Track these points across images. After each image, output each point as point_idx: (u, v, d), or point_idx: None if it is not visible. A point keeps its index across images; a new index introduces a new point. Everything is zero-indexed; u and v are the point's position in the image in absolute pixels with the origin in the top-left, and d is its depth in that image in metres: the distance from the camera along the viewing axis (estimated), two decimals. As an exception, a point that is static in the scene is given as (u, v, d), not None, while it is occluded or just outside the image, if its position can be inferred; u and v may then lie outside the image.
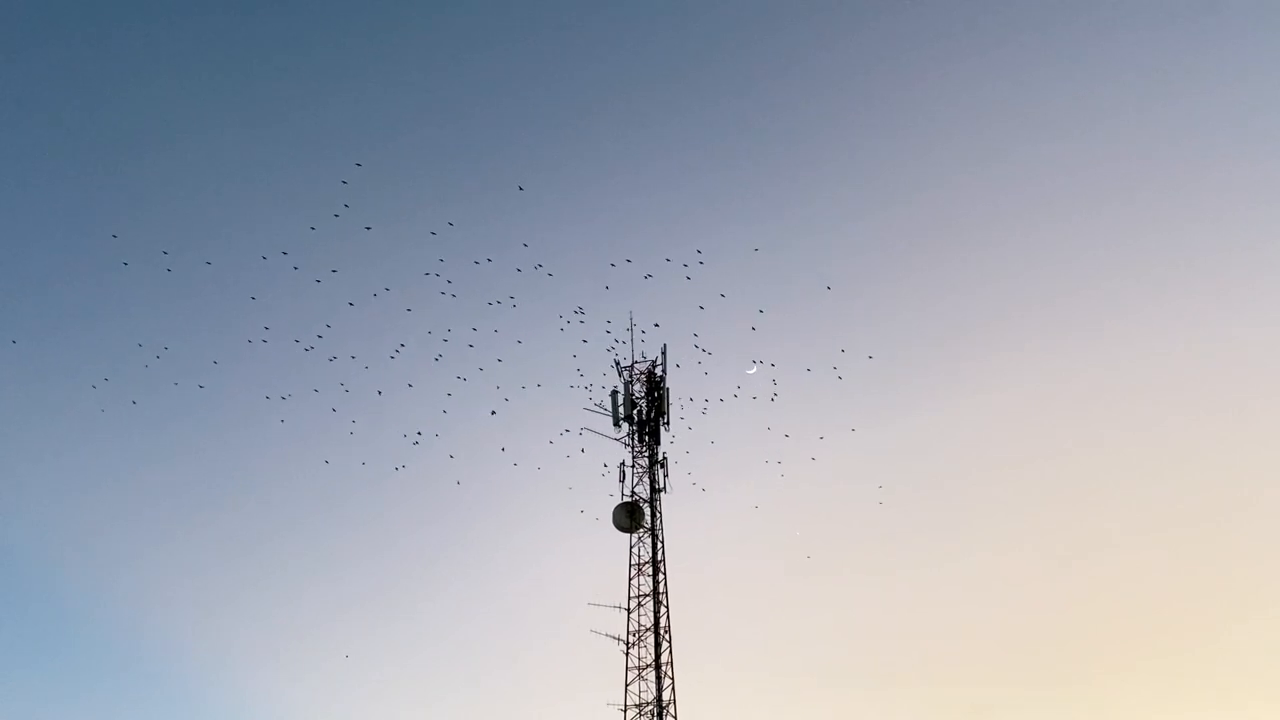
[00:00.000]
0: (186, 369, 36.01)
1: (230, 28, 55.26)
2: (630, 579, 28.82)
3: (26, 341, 49.99)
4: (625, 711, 27.43)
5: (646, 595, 28.56)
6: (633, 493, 29.73)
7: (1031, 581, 47.30)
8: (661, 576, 28.79)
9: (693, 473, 30.21)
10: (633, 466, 30.10)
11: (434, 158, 54.56)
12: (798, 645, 43.40)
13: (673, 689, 27.76)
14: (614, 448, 30.49)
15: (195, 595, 47.41)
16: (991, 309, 52.33)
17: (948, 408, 49.64)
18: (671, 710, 27.52)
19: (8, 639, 47.67)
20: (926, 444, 46.85)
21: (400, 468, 33.97)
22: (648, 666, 27.84)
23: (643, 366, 30.91)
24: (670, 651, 28.11)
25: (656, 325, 30.86)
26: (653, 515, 29.45)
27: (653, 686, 27.66)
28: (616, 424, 30.54)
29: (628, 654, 27.99)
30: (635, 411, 30.57)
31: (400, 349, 32.22)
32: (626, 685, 27.72)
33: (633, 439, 30.49)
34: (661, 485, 29.74)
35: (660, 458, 30.12)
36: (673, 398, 30.67)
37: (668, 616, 28.41)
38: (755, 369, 31.76)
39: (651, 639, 28.09)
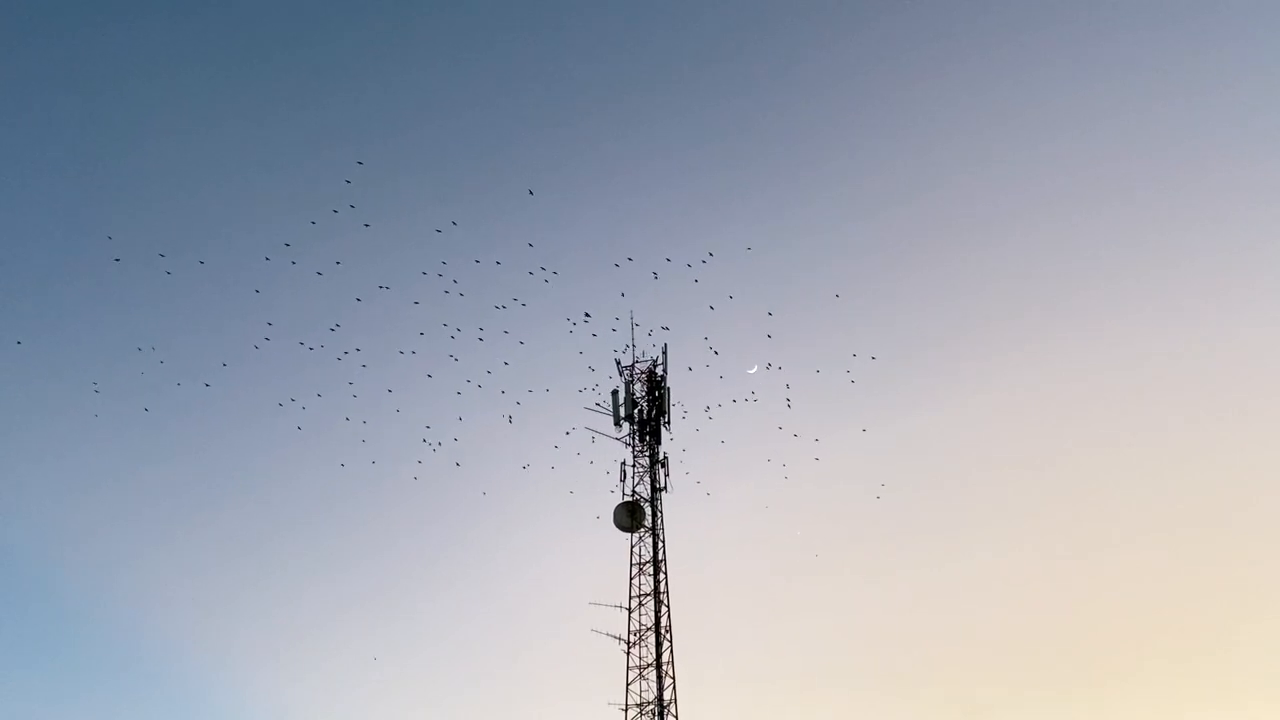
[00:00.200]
0: (187, 369, 36.05)
1: (232, 27, 55.28)
2: (631, 578, 28.85)
3: (26, 342, 50.05)
4: (626, 711, 27.46)
5: (647, 595, 28.57)
6: (634, 492, 29.75)
7: (1032, 581, 47.39)
8: (662, 576, 28.82)
9: (694, 472, 30.33)
10: (634, 466, 30.13)
11: (436, 158, 54.65)
12: (798, 645, 43.49)
13: (674, 688, 27.80)
14: (615, 447, 30.56)
15: (195, 595, 47.44)
16: (991, 309, 52.44)
17: (948, 408, 49.73)
18: (672, 709, 27.54)
19: (8, 639, 47.70)
20: (927, 444, 46.92)
21: (416, 478, 34.05)
22: (649, 666, 27.85)
23: (643, 366, 30.97)
24: (671, 651, 28.16)
25: (666, 328, 30.94)
26: (654, 515, 29.46)
27: (654, 686, 27.69)
28: (617, 423, 30.57)
29: (629, 653, 28.00)
30: (636, 411, 30.58)
31: (406, 350, 32.28)
32: (627, 684, 27.75)
33: (634, 438, 30.51)
34: (662, 485, 29.79)
35: (661, 457, 30.14)
36: (673, 397, 30.74)
37: (668, 616, 28.45)
38: (756, 369, 31.80)
39: (652, 638, 28.11)
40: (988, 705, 42.70)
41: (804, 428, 31.81)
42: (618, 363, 30.92)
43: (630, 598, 28.61)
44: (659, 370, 30.88)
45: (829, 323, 44.22)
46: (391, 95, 55.51)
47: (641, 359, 30.94)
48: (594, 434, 30.40)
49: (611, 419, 30.55)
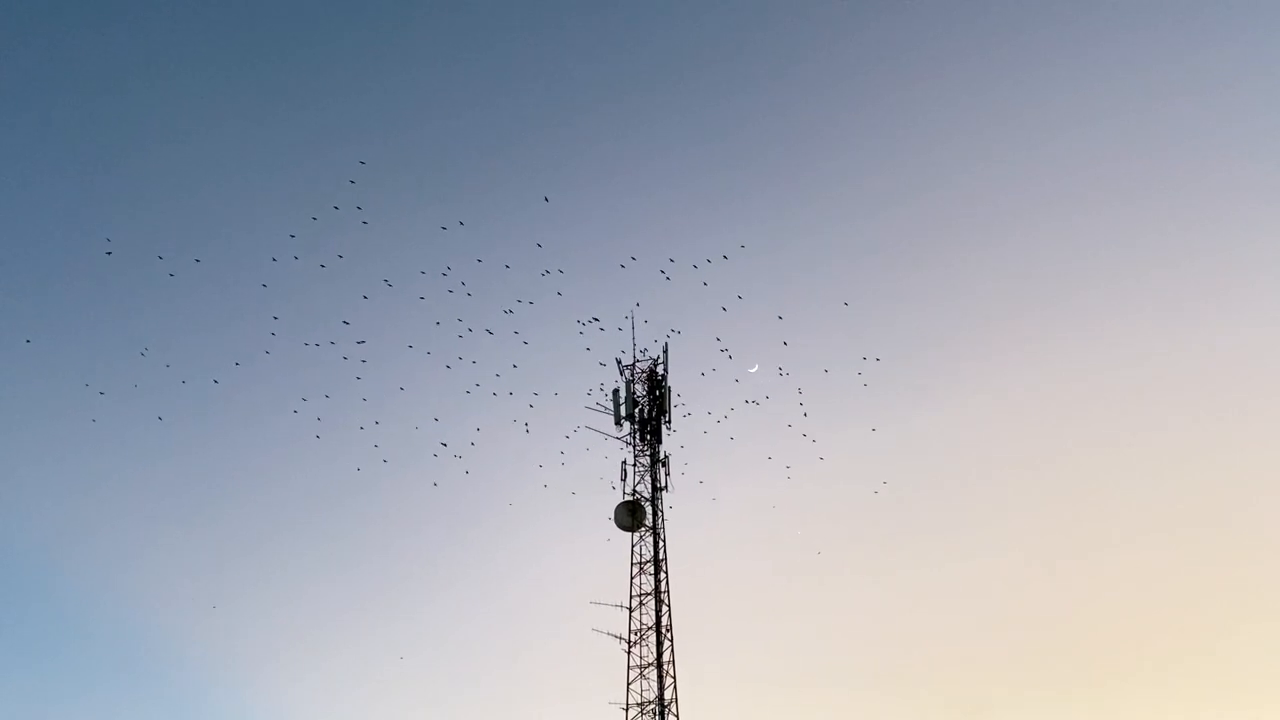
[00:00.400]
0: (188, 369, 36.03)
1: (232, 27, 55.27)
2: (632, 577, 28.83)
3: (26, 341, 50.05)
4: (627, 710, 27.44)
5: (648, 594, 28.56)
6: (634, 491, 29.75)
7: (1032, 581, 47.38)
8: (663, 575, 28.81)
9: (695, 472, 30.31)
10: (634, 465, 30.13)
11: (439, 158, 54.67)
12: (799, 644, 43.45)
13: (674, 687, 27.78)
14: (616, 446, 30.54)
15: (195, 595, 47.41)
16: (991, 309, 52.44)
17: (948, 408, 49.73)
18: (673, 709, 27.53)
19: (8, 639, 47.67)
20: (927, 444, 46.90)
21: (437, 484, 34.08)
22: (649, 665, 27.84)
23: (644, 365, 30.95)
24: (672, 650, 28.15)
25: (678, 331, 30.86)
26: (654, 514, 29.45)
27: (654, 685, 27.68)
28: (618, 423, 30.56)
29: (629, 653, 27.99)
30: (637, 410, 30.58)
31: (407, 351, 32.29)
32: (628, 684, 27.73)
33: (634, 438, 30.50)
34: (663, 484, 29.78)
35: (662, 456, 30.13)
36: (673, 397, 30.71)
37: (669, 615, 28.44)
38: (757, 368, 31.81)
39: (653, 637, 28.10)
40: (988, 705, 42.74)
41: (805, 428, 31.87)
42: (618, 362, 30.96)
43: (631, 597, 28.63)
44: (660, 369, 30.91)
45: (829, 323, 44.31)
46: (393, 95, 55.62)
47: (642, 358, 31.01)
48: (595, 433, 30.45)
49: (612, 418, 30.58)
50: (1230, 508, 47.28)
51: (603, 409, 30.63)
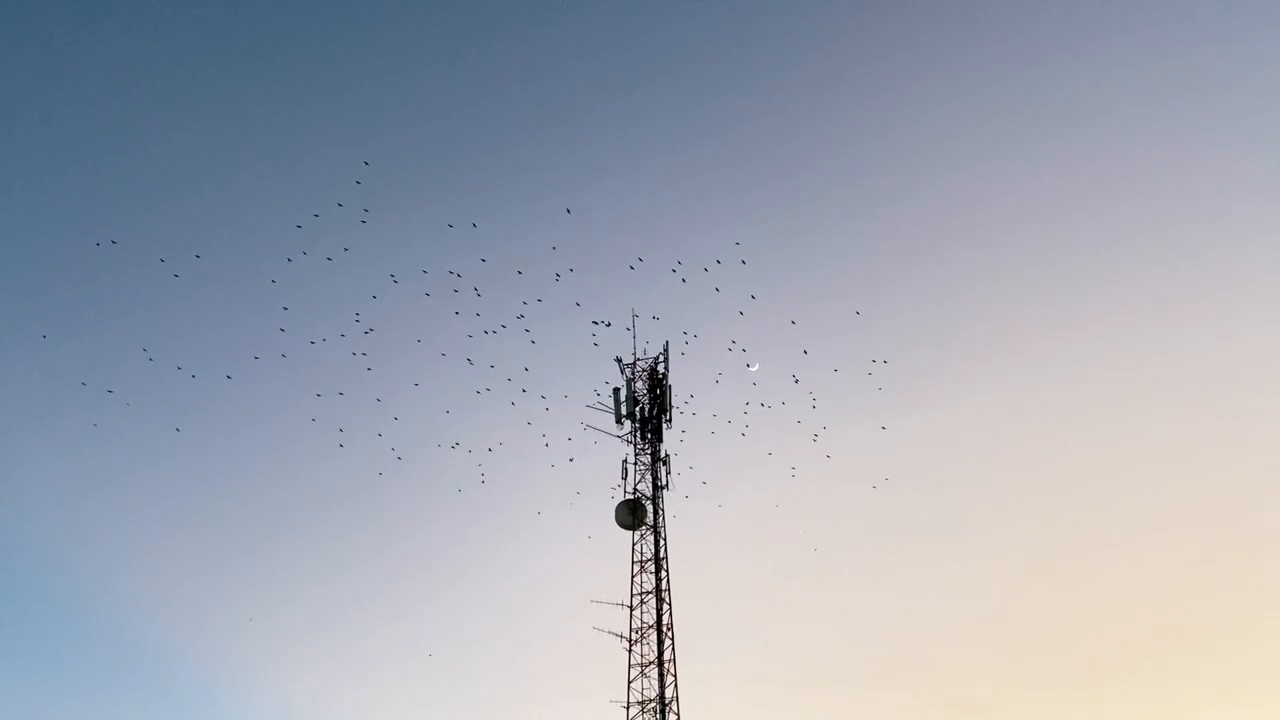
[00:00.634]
0: (189, 369, 35.98)
1: (232, 27, 55.31)
2: (633, 576, 28.82)
3: (27, 342, 50.07)
4: (628, 708, 27.43)
5: (649, 592, 28.55)
6: (635, 490, 29.74)
7: (1032, 581, 47.41)
8: (664, 573, 28.80)
9: (697, 470, 30.30)
10: (635, 464, 30.12)
11: (441, 158, 54.69)
12: (800, 643, 43.48)
13: (675, 686, 27.77)
14: (617, 445, 30.55)
15: (195, 595, 47.42)
16: (991, 309, 52.45)
17: (948, 408, 49.74)
18: (674, 707, 27.52)
19: (8, 639, 47.65)
20: (927, 444, 46.92)
21: (459, 490, 33.98)
22: (650, 663, 27.83)
23: (645, 364, 30.94)
24: (673, 648, 28.14)
25: (694, 335, 30.78)
26: (655, 512, 29.44)
27: (655, 683, 27.66)
28: (619, 421, 30.55)
29: (630, 651, 27.98)
30: (638, 409, 30.57)
31: (410, 350, 32.29)
32: (629, 682, 27.72)
33: (635, 436, 30.49)
34: (664, 482, 29.77)
35: (663, 455, 30.13)
36: (674, 396, 30.69)
37: (670, 613, 28.43)
38: (757, 366, 31.80)
39: (654, 636, 28.09)
40: (988, 705, 42.75)
41: (806, 427, 31.89)
42: (619, 360, 30.94)
43: (632, 595, 28.62)
44: (660, 367, 30.91)
45: (829, 323, 44.33)
46: (394, 95, 55.63)
47: (643, 356, 31.00)
48: (596, 431, 30.43)
49: (613, 417, 30.57)
50: (1230, 508, 47.38)
51: (604, 408, 30.65)
